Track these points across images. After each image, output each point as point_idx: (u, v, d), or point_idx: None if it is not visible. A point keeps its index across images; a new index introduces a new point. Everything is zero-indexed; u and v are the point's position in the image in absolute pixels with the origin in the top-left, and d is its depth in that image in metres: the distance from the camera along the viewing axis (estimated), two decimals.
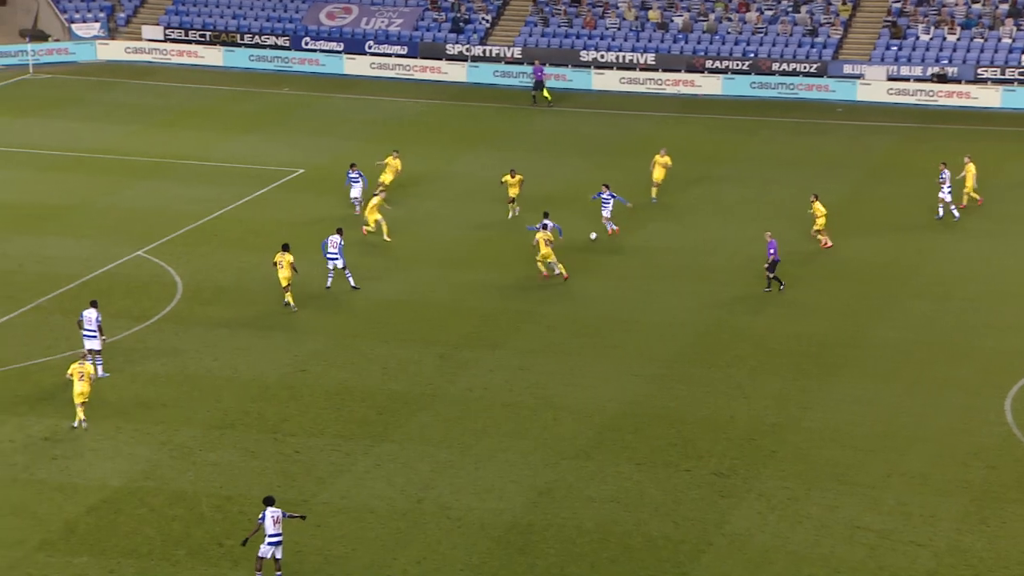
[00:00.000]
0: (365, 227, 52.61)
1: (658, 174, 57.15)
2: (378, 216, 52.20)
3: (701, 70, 76.98)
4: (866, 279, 49.84)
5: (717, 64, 77.06)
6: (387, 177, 56.21)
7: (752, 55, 77.43)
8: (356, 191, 55.39)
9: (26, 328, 43.23)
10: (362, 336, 44.61)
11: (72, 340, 43.12)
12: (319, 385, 41.18)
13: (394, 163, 56.74)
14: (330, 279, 47.70)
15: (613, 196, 52.75)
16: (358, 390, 40.88)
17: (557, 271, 48.65)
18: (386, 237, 52.16)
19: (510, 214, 55.12)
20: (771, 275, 47.90)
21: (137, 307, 46.25)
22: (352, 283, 47.61)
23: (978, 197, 57.08)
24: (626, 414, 39.59)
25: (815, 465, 36.85)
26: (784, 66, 76.20)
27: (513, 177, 55.19)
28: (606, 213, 52.89)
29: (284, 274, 45.82)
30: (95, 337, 40.84)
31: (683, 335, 44.92)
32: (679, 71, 77.00)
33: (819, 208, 51.98)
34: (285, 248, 46.33)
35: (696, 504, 34.97)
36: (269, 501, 31.86)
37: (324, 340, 44.24)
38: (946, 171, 55.40)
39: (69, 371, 38.12)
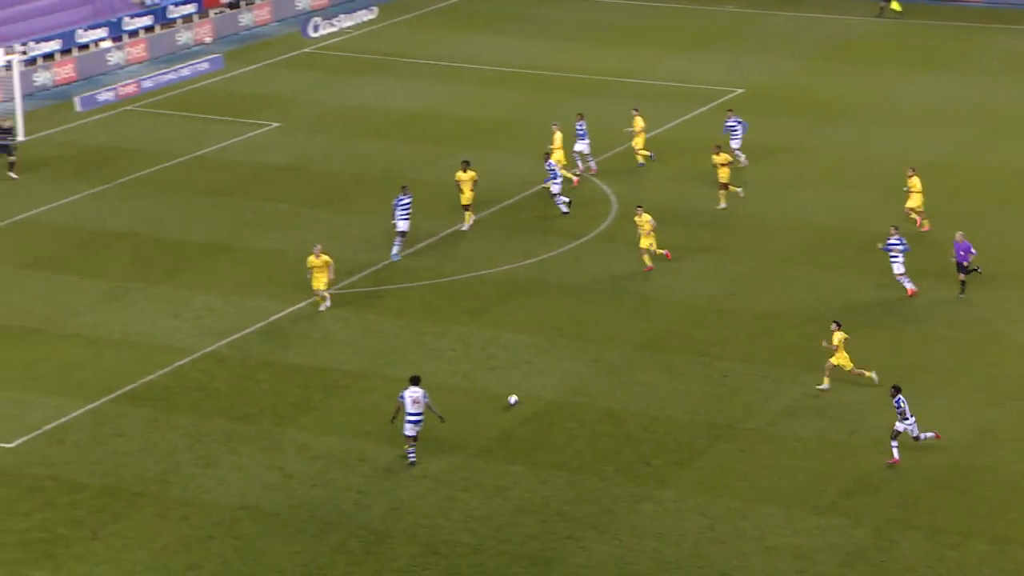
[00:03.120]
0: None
1: None
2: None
3: None
4: None
5: None
6: (639, 141, 50.36)
7: None
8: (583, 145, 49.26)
9: (467, 241, 44.50)
10: (795, 262, 43.58)
11: (509, 254, 44.11)
12: (749, 310, 40.54)
13: (638, 123, 50.75)
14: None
15: (902, 242, 40.88)
16: (788, 316, 40.01)
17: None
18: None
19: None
20: (962, 276, 40.79)
21: (572, 224, 46.81)
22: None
23: None
24: None
25: None
26: None
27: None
28: (897, 268, 41.00)
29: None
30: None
31: None
32: None
33: (915, 183, 44.64)
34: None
35: None
36: (414, 380, 32.72)
37: (755, 264, 43.50)
38: None
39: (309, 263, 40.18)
